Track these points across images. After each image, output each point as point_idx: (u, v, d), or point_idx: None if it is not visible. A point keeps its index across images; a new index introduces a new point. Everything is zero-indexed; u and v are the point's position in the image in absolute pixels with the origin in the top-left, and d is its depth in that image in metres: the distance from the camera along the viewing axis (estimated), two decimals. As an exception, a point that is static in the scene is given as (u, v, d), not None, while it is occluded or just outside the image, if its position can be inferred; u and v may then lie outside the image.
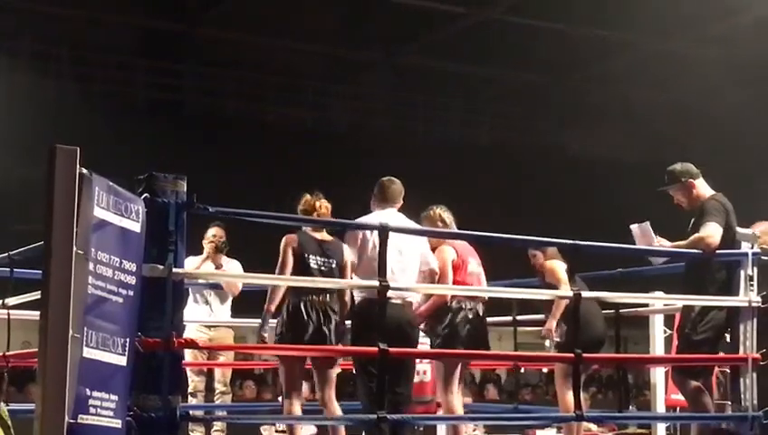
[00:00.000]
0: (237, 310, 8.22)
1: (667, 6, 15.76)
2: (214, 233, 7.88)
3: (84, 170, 4.37)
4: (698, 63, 17.15)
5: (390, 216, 6.20)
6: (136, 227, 4.74)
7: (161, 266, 4.81)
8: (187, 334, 6.58)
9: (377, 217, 6.19)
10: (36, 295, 4.83)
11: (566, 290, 6.71)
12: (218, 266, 7.77)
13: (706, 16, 15.84)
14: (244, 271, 7.81)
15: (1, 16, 15.57)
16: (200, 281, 7.70)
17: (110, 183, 4.56)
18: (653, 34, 16.90)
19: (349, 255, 6.17)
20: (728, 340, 6.49)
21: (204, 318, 7.78)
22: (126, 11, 16.26)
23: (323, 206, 6.28)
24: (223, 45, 17.45)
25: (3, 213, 15.75)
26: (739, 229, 6.45)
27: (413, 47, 17.99)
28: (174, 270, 4.87)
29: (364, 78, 18.52)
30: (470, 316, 6.60)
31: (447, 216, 6.84)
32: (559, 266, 7.25)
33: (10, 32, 15.95)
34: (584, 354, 5.95)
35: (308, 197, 6.36)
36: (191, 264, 7.42)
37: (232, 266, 7.82)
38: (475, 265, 6.76)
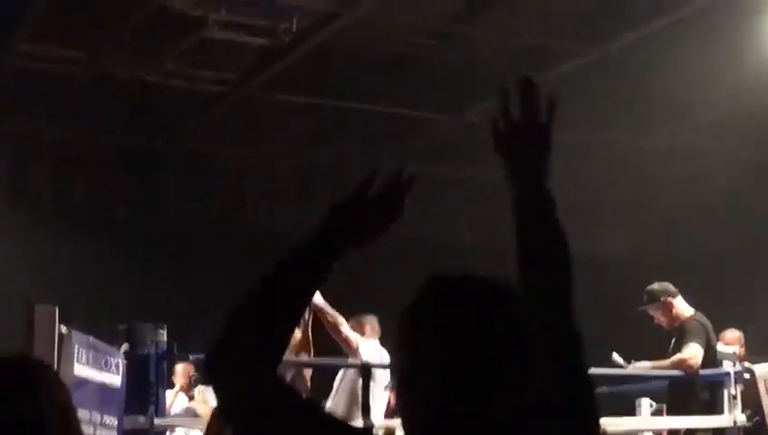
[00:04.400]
0: None
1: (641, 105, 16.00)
2: (185, 368, 7.85)
3: (64, 329, 4.38)
4: (672, 158, 17.34)
5: (373, 349, 6.22)
6: (116, 380, 4.73)
7: (143, 418, 4.80)
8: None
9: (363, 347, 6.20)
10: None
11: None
12: (191, 398, 7.73)
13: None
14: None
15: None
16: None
17: (90, 339, 4.57)
18: (626, 132, 17.09)
19: None
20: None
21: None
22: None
23: (295, 337, 6.29)
24: (201, 157, 17.58)
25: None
26: (720, 349, 6.48)
27: (393, 152, 18.13)
28: (155, 422, 4.85)
29: (344, 184, 18.66)
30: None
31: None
32: None
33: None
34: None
35: None
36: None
37: (208, 394, 7.78)
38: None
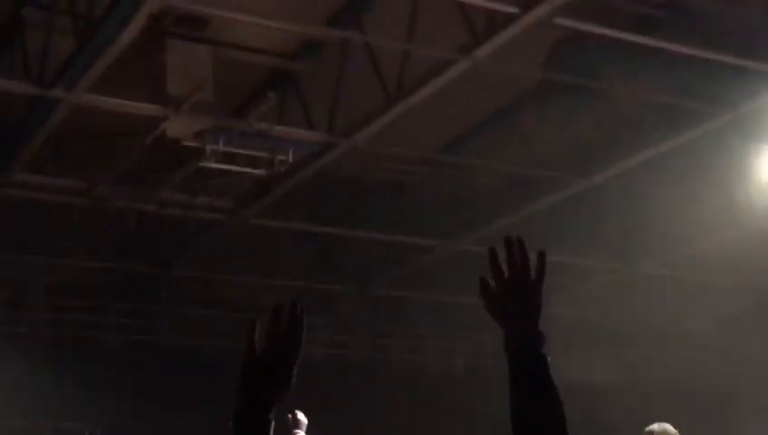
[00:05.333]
0: None
1: (631, 234, 16.19)
2: None
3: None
4: (663, 286, 17.45)
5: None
6: None
7: None
8: None
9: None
10: None
11: None
12: None
13: (671, 241, 16.22)
14: None
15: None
16: None
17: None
18: (618, 260, 17.23)
19: None
20: None
21: None
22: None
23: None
24: (196, 285, 17.64)
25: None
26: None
27: (385, 279, 18.25)
28: None
29: (338, 309, 18.70)
30: None
31: None
32: None
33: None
34: None
35: None
36: None
37: None
38: None
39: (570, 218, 15.75)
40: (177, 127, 12.86)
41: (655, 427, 6.71)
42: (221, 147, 13.17)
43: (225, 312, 17.84)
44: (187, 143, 13.21)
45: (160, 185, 14.58)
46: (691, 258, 16.63)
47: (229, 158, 13.50)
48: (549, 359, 2.22)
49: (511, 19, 11.07)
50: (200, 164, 13.52)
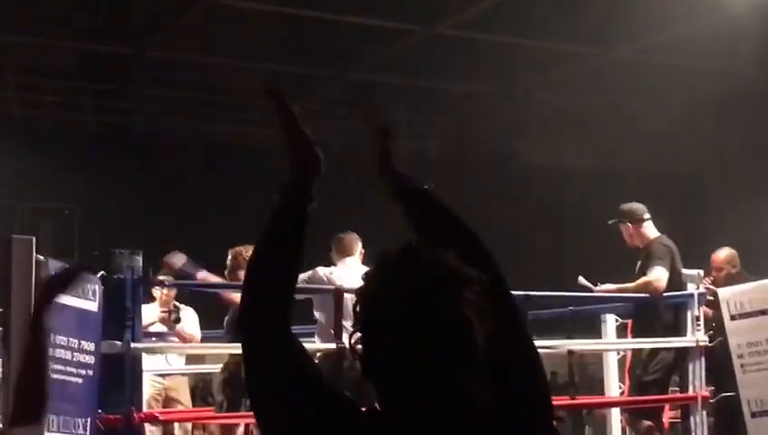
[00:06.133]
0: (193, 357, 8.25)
1: (609, 17, 15.98)
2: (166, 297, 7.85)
3: (41, 257, 4.43)
4: (643, 71, 17.39)
5: (348, 268, 6.26)
6: (93, 306, 4.80)
7: (119, 343, 4.87)
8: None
9: (336, 270, 6.26)
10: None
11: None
12: (171, 328, 7.79)
13: (650, 25, 16.05)
14: (198, 315, 7.86)
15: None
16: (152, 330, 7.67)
17: (67, 266, 4.63)
18: (599, 44, 17.09)
19: None
20: (677, 379, 6.67)
21: (158, 367, 7.77)
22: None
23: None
24: (169, 66, 17.43)
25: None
26: (685, 271, 6.62)
27: (362, 64, 18.06)
28: (132, 345, 4.94)
29: (315, 95, 18.56)
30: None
31: None
32: None
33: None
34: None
35: (238, 249, 6.46)
36: (146, 312, 7.42)
37: (187, 314, 7.84)
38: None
39: (546, 1, 15.50)
40: None
41: (626, 205, 6.85)
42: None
43: (197, 94, 17.74)
44: None
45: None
46: (667, 44, 16.51)
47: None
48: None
49: None
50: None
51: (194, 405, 8.77)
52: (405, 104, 18.68)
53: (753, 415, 6.31)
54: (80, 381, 4.67)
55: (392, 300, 1.78)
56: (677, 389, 6.81)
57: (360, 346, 1.81)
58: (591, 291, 6.59)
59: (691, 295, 6.50)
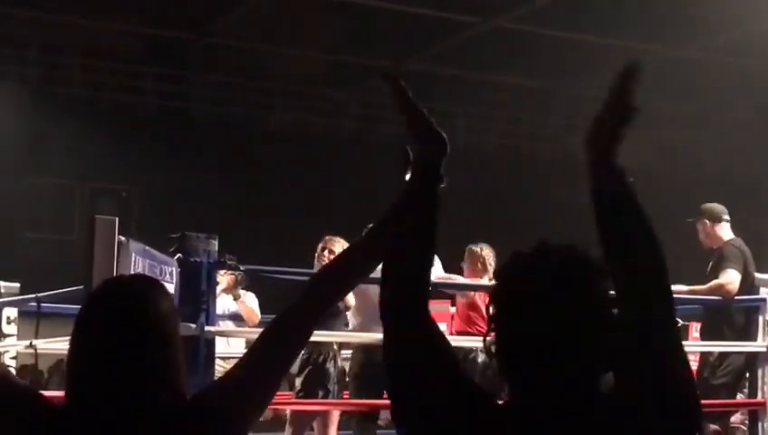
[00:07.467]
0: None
1: (674, 14, 15.80)
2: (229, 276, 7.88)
3: (122, 238, 4.43)
4: (710, 71, 17.19)
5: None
6: (170, 288, 4.80)
7: (194, 325, 4.88)
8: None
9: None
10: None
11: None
12: (236, 298, 7.83)
13: (714, 24, 15.87)
14: (259, 301, 7.88)
15: (9, 25, 15.60)
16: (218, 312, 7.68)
17: (146, 247, 4.63)
18: (660, 42, 16.92)
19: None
20: (747, 384, 6.58)
21: (220, 350, 7.77)
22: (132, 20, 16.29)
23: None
24: (228, 53, 17.50)
25: (13, 221, 15.82)
26: (758, 275, 6.53)
27: (422, 55, 18.00)
28: (206, 328, 4.94)
29: (372, 85, 18.53)
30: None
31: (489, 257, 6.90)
32: None
33: (19, 41, 16.00)
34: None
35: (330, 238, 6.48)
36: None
37: (248, 298, 7.86)
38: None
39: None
40: None
41: (708, 205, 6.77)
42: None
43: (255, 81, 17.78)
44: None
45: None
46: (732, 44, 16.32)
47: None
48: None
49: None
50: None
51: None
52: (462, 97, 18.61)
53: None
54: (155, 363, 4.68)
55: (527, 300, 1.77)
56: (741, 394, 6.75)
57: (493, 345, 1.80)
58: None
59: (763, 300, 6.41)
